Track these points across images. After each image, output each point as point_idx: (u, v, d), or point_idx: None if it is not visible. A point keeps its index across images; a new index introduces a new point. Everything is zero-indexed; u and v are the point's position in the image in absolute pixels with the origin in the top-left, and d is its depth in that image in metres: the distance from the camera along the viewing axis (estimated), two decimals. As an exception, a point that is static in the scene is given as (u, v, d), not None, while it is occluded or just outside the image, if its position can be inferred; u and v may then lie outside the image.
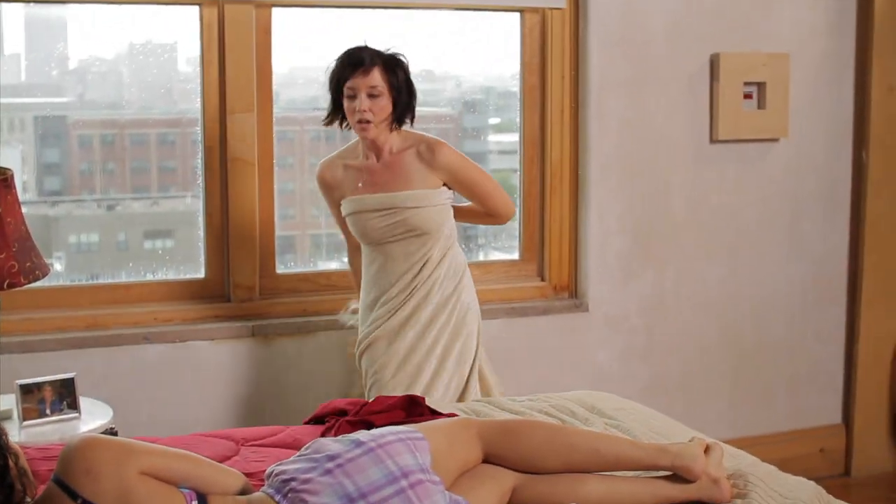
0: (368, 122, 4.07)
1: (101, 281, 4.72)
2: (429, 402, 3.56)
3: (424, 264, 4.19)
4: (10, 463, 2.38)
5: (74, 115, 4.85)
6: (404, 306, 4.20)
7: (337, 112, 4.17)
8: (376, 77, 4.05)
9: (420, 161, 4.18)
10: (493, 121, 5.49)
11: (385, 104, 4.08)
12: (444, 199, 4.21)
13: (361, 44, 4.13)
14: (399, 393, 4.03)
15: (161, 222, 5.09)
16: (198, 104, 4.71)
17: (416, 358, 4.20)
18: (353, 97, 4.07)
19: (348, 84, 4.07)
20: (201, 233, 4.73)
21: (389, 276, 4.22)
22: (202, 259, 4.75)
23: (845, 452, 5.86)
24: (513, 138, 5.32)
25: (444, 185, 4.22)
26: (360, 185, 4.20)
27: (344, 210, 4.25)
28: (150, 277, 4.76)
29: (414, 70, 4.19)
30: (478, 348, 4.32)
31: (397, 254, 4.20)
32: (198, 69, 4.71)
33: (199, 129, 4.70)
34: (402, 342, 4.20)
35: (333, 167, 4.29)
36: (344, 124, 4.20)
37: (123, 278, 4.75)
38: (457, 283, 4.26)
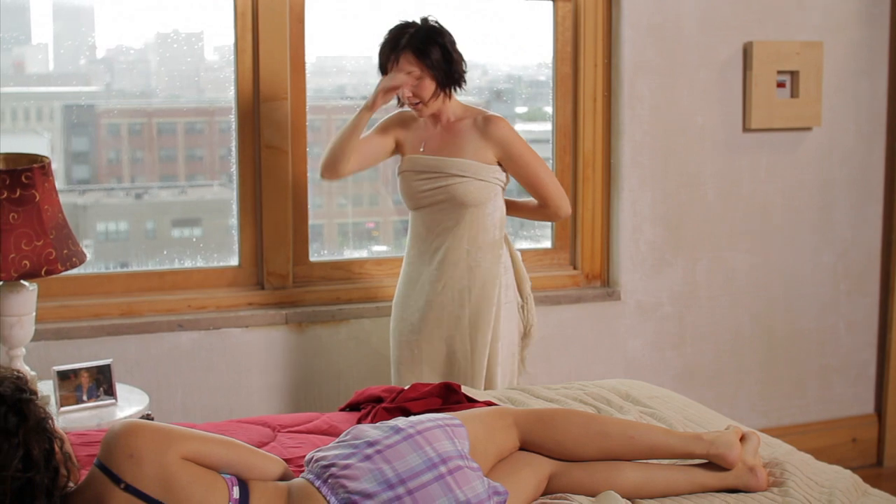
0: (417, 103, 4.15)
1: (134, 269, 4.74)
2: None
3: (452, 238, 4.21)
4: (56, 447, 2.39)
5: (103, 104, 4.86)
6: (433, 280, 4.24)
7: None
8: (406, 64, 4.10)
9: (475, 131, 4.21)
10: (521, 110, 5.48)
11: (427, 83, 4.12)
12: (492, 177, 4.21)
13: (399, 23, 4.17)
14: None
15: (189, 210, 5.10)
16: (226, 93, 4.73)
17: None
18: None
19: (389, 72, 4.15)
20: (235, 221, 4.74)
21: (424, 244, 4.27)
22: (236, 247, 4.77)
23: (877, 442, 5.84)
24: (540, 127, 5.33)
25: (499, 164, 4.24)
26: (421, 148, 4.25)
27: (399, 168, 4.30)
28: (184, 265, 4.78)
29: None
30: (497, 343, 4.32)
31: (433, 221, 4.24)
32: (227, 58, 4.73)
33: (232, 117, 4.71)
34: (426, 316, 4.26)
35: (407, 119, 4.34)
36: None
37: (151, 266, 4.77)
38: (486, 271, 4.25)
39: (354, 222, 5.29)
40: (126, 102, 4.92)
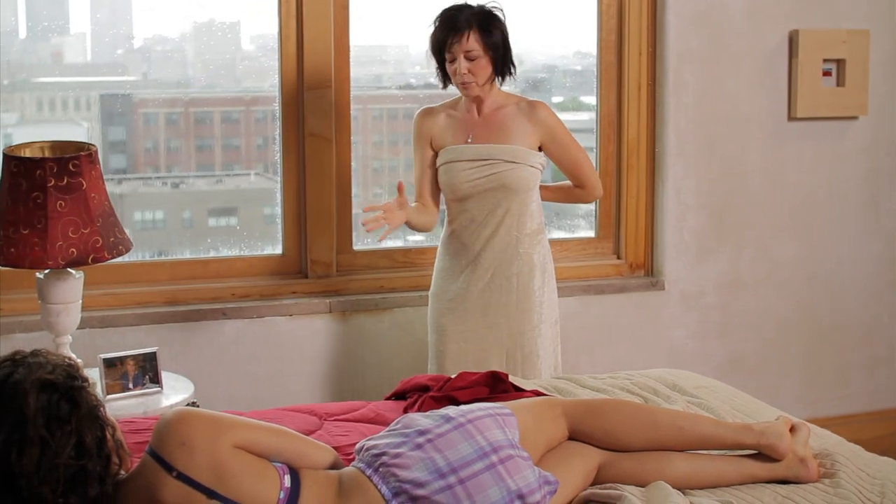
0: (469, 82, 4.13)
1: (178, 257, 4.75)
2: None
3: (501, 225, 4.22)
4: (108, 435, 2.40)
5: (139, 94, 4.89)
6: (480, 268, 4.24)
7: (444, 73, 4.23)
8: (472, 41, 4.10)
9: (520, 115, 4.24)
10: (557, 99, 5.46)
11: (485, 64, 4.13)
12: (538, 162, 4.24)
13: (458, 2, 4.18)
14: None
15: (225, 200, 5.12)
16: (262, 82, 4.74)
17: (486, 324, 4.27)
18: (453, 60, 4.14)
19: (447, 49, 4.14)
20: (278, 209, 4.75)
21: (469, 234, 4.26)
22: (278, 235, 4.77)
23: (923, 435, 5.80)
24: (576, 117, 5.32)
25: (539, 150, 4.26)
26: (468, 139, 4.24)
27: (440, 159, 4.29)
28: (220, 254, 4.79)
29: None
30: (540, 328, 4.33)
31: (479, 210, 4.23)
32: (265, 46, 4.72)
33: (276, 105, 4.71)
34: (472, 304, 4.26)
35: (434, 113, 4.34)
36: (450, 83, 4.26)
37: (188, 255, 4.78)
38: (532, 257, 4.27)
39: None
40: (163, 92, 4.95)
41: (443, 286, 4.34)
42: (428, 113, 4.35)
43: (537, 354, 4.27)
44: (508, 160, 4.17)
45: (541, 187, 4.36)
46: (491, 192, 4.20)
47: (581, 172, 4.35)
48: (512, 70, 4.23)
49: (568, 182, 4.42)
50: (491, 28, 4.13)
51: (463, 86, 4.16)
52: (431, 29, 4.18)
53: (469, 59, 4.11)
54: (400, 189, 4.15)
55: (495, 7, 4.19)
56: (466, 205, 4.25)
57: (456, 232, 4.30)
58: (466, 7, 4.16)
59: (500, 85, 4.27)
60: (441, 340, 4.31)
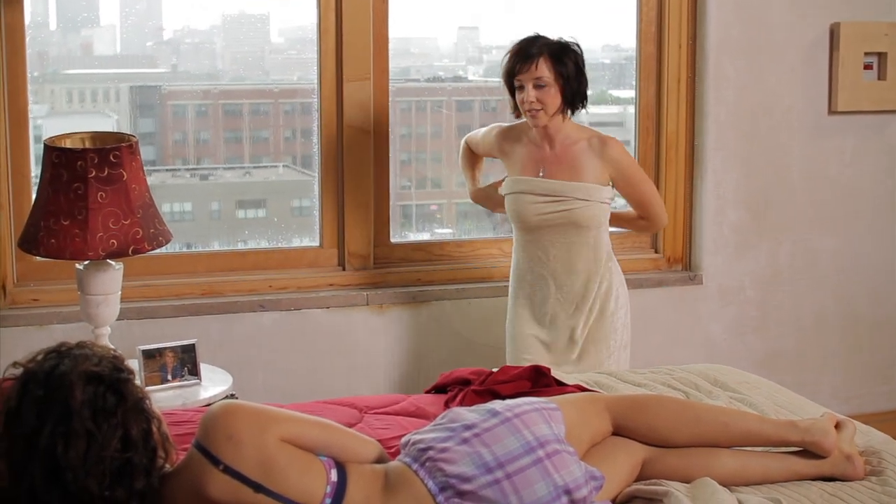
0: (538, 111, 4.11)
1: (216, 248, 4.76)
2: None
3: (572, 255, 4.22)
4: (154, 428, 2.39)
5: (168, 86, 4.90)
6: (553, 297, 4.24)
7: (516, 103, 4.22)
8: (542, 68, 4.08)
9: (591, 153, 4.21)
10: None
11: (554, 94, 4.11)
12: (608, 197, 4.24)
13: (532, 34, 4.17)
14: None
15: (254, 192, 5.12)
16: (290, 75, 4.75)
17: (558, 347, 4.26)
18: (521, 87, 4.13)
19: (516, 77, 4.13)
20: (317, 201, 4.74)
21: (538, 265, 4.25)
22: (317, 227, 4.77)
23: (962, 431, 5.74)
24: (604, 110, 5.31)
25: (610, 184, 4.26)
26: (541, 173, 4.22)
27: (507, 188, 4.29)
28: (248, 246, 4.80)
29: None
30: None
31: (550, 241, 4.22)
32: (297, 38, 4.73)
33: (314, 98, 4.71)
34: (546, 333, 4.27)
35: (515, 132, 4.34)
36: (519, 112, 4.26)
37: (217, 247, 4.79)
38: (608, 285, 4.28)
39: (418, 204, 5.27)
40: (192, 84, 4.95)
41: (521, 320, 4.32)
42: (509, 132, 4.35)
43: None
44: (581, 198, 4.17)
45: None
46: (562, 226, 4.20)
47: (650, 209, 4.34)
48: (585, 103, 4.21)
49: (632, 211, 4.41)
50: (563, 58, 4.11)
51: (530, 114, 4.14)
52: (504, 59, 4.19)
53: (538, 86, 4.09)
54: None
55: (572, 42, 4.18)
56: (536, 235, 4.24)
57: (524, 261, 4.30)
58: (541, 37, 4.16)
59: (571, 117, 4.24)
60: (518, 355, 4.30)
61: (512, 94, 4.20)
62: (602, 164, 4.20)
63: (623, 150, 4.25)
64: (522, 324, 4.30)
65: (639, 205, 4.34)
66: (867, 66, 5.29)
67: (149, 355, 3.94)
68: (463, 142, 4.55)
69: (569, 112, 4.19)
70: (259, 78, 5.03)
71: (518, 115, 4.26)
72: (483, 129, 4.47)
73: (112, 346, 3.77)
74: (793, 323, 5.39)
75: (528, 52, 4.10)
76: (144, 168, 3.87)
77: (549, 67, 4.08)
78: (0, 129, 4.27)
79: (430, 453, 2.58)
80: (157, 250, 3.93)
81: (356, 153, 4.68)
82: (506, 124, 4.39)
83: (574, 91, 4.14)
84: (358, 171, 4.69)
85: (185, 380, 3.99)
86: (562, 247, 4.22)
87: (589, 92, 4.22)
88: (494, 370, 3.52)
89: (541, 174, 4.23)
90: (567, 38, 4.18)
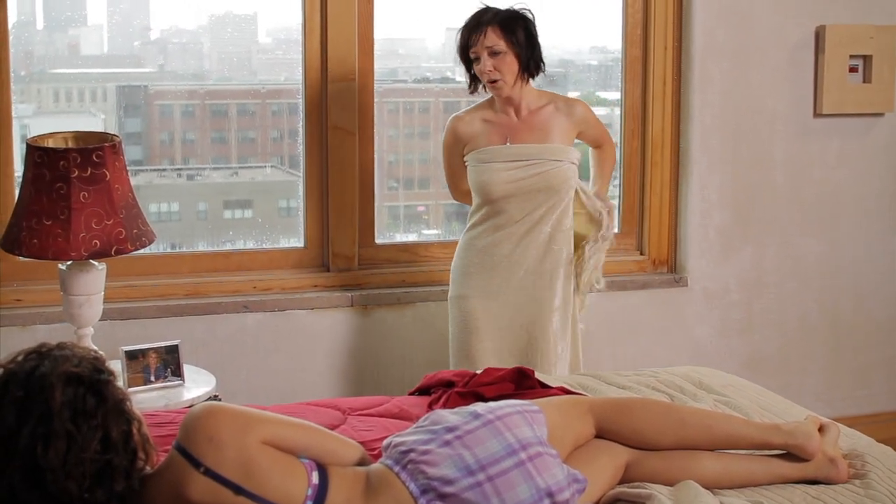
0: (496, 80, 4.12)
1: (200, 249, 4.74)
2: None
3: (539, 223, 4.22)
4: (134, 430, 2.38)
5: (155, 86, 4.90)
6: (514, 265, 4.24)
7: (474, 78, 4.23)
8: (492, 37, 4.09)
9: (559, 114, 4.27)
10: (573, 94, 5.42)
11: (510, 61, 4.12)
12: (576, 157, 4.28)
13: (482, 6, 4.19)
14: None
15: (240, 192, 5.11)
16: (278, 75, 4.74)
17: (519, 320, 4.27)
18: (477, 59, 4.14)
19: (471, 49, 4.14)
20: (301, 202, 4.73)
21: (502, 234, 4.24)
22: (301, 228, 4.76)
23: (946, 434, 5.76)
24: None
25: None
26: (507, 141, 4.23)
27: (473, 159, 4.26)
28: (235, 246, 4.79)
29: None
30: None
31: (518, 209, 4.21)
32: (284, 38, 4.72)
33: (298, 99, 4.70)
34: (506, 301, 4.26)
35: (471, 121, 4.32)
36: (482, 87, 4.25)
37: (203, 248, 4.78)
38: (563, 253, 4.28)
39: (406, 205, 5.27)
40: (179, 84, 4.95)
41: (472, 283, 4.30)
42: (462, 121, 4.33)
43: (547, 340, 4.27)
44: (555, 158, 4.19)
45: (595, 176, 4.49)
46: (533, 192, 4.19)
47: (606, 137, 4.48)
48: (541, 67, 4.23)
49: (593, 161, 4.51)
50: (513, 24, 4.12)
51: (491, 85, 4.15)
52: (457, 35, 4.20)
53: (493, 54, 4.09)
54: None
55: (523, 8, 4.19)
56: (502, 205, 4.23)
57: (485, 234, 4.27)
58: (490, 8, 4.17)
59: (530, 83, 4.25)
60: (472, 339, 4.29)
61: (469, 69, 4.21)
62: (570, 123, 4.27)
63: (588, 109, 4.36)
64: (472, 287, 4.31)
65: (598, 140, 4.44)
66: (852, 69, 5.29)
67: (132, 356, 3.93)
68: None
69: (528, 78, 4.21)
70: (246, 78, 5.02)
71: (473, 92, 4.28)
72: (444, 157, 4.44)
73: (94, 347, 3.77)
74: (777, 326, 5.40)
75: (479, 21, 4.12)
76: (131, 168, 3.85)
77: (499, 35, 4.10)
78: (-17, 128, 4.26)
79: (412, 455, 2.57)
80: (141, 251, 3.91)
81: (341, 154, 4.67)
82: (456, 114, 4.38)
83: (529, 56, 4.16)
84: (342, 172, 4.69)
85: (169, 381, 3.98)
86: (528, 214, 4.22)
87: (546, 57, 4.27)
88: (478, 372, 3.51)
89: (507, 142, 4.24)
90: (518, 6, 4.20)
